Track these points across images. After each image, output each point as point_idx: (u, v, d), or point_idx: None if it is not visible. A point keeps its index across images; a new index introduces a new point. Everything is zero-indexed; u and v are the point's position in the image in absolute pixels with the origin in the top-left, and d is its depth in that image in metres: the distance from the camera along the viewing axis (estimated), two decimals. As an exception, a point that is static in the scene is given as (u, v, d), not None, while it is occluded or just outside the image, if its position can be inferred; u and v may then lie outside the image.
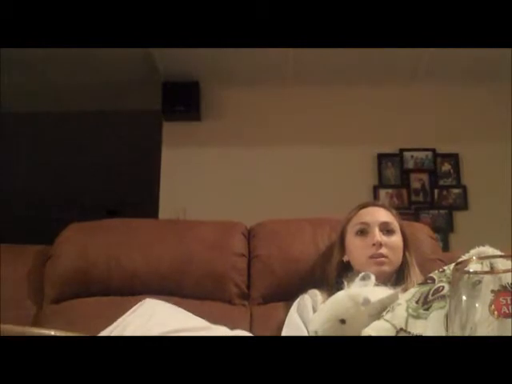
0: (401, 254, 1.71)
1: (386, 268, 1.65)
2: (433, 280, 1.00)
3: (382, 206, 1.84)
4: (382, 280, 1.49)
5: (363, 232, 1.71)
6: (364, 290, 1.26)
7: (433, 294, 0.97)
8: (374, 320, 1.04)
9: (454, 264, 0.71)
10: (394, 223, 1.74)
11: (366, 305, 1.16)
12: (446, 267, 1.01)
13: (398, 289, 1.22)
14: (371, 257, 1.66)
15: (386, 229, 1.71)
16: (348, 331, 1.14)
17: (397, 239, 1.71)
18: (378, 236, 1.67)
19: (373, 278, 1.32)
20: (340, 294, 1.25)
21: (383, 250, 1.66)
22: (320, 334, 1.22)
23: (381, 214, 1.74)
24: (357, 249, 1.71)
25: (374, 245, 1.66)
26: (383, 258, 1.65)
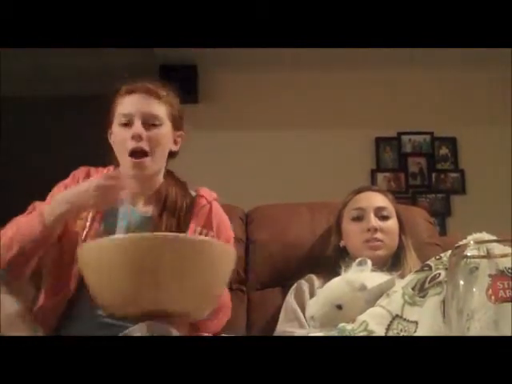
0: (396, 239, 1.72)
1: (381, 252, 1.66)
2: (429, 267, 1.00)
3: (378, 190, 1.84)
4: (378, 264, 1.49)
5: (359, 217, 1.72)
6: (361, 275, 1.26)
7: (429, 282, 0.98)
8: (371, 306, 1.04)
9: (450, 251, 0.71)
10: (390, 208, 1.74)
11: (363, 290, 1.16)
12: (442, 254, 1.01)
13: (395, 275, 1.23)
14: (366, 241, 1.67)
15: (382, 214, 1.71)
16: (344, 317, 1.14)
17: (392, 224, 1.72)
18: (374, 221, 1.68)
19: (369, 263, 1.32)
20: (336, 280, 1.26)
21: (378, 235, 1.66)
22: (316, 319, 1.22)
23: (376, 199, 1.75)
24: (352, 234, 1.72)
25: (369, 230, 1.67)
26: (378, 243, 1.66)
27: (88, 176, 1.54)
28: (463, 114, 4.03)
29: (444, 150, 4.08)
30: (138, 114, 1.49)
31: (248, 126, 4.01)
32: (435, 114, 4.04)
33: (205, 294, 1.18)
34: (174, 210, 1.54)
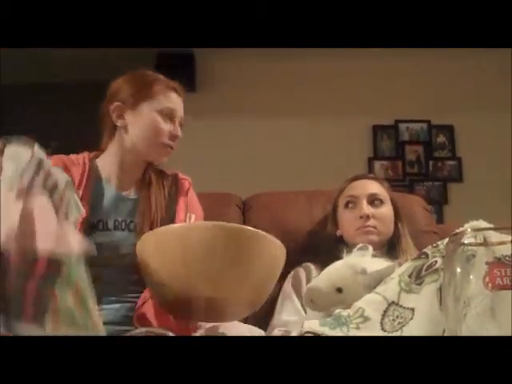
0: (391, 225, 1.72)
1: (374, 237, 1.66)
2: (426, 255, 1.01)
3: (373, 178, 1.84)
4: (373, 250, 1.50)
5: (352, 205, 1.73)
6: (362, 259, 1.26)
7: (426, 269, 0.98)
8: (370, 291, 1.04)
9: (447, 239, 0.71)
10: (384, 194, 1.74)
11: (364, 274, 1.16)
12: (439, 242, 1.01)
13: (396, 261, 1.23)
14: (358, 228, 1.68)
15: (374, 200, 1.72)
16: (344, 301, 1.14)
17: (385, 210, 1.72)
18: (366, 208, 1.69)
19: (370, 249, 1.33)
20: (338, 263, 1.26)
21: (371, 222, 1.68)
22: (316, 302, 1.22)
23: (370, 186, 1.75)
24: (346, 222, 1.73)
25: (361, 217, 1.68)
26: (370, 228, 1.67)
27: (64, 169, 1.51)
28: (460, 102, 4.03)
29: (441, 138, 4.08)
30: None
31: (245, 115, 4.00)
32: (432, 101, 4.04)
33: (259, 288, 1.17)
34: (160, 192, 1.55)
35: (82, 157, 1.57)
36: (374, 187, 1.75)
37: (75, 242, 0.81)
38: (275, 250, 1.17)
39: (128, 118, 1.54)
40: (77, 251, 0.80)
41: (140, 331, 1.21)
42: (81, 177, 1.50)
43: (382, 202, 1.72)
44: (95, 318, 0.82)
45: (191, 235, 1.11)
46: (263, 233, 1.14)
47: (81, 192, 1.45)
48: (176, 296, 1.12)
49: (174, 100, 1.57)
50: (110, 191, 1.53)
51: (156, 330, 1.25)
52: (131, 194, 1.56)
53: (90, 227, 1.44)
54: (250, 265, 1.11)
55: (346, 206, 1.74)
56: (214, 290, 1.09)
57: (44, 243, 0.76)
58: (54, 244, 0.78)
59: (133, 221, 1.49)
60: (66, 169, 1.49)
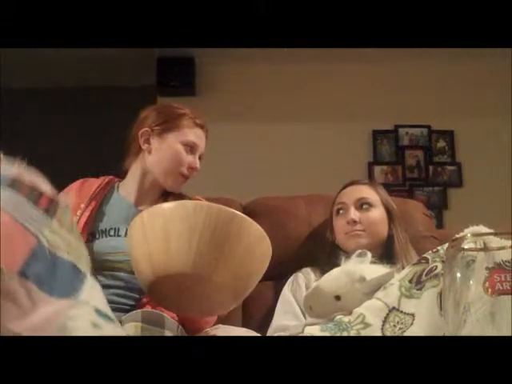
0: (382, 227, 1.73)
1: (362, 240, 1.68)
2: (426, 260, 1.01)
3: (366, 183, 1.85)
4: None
5: (342, 211, 1.75)
6: (360, 266, 1.26)
7: (426, 274, 0.98)
8: (369, 298, 1.04)
9: (447, 244, 0.71)
10: (373, 198, 1.75)
11: (362, 282, 1.16)
12: (439, 247, 1.01)
13: (394, 268, 1.23)
14: (347, 233, 1.71)
15: (363, 204, 1.73)
16: (342, 308, 1.14)
17: (375, 213, 1.73)
18: (353, 214, 1.71)
19: (369, 255, 1.32)
20: (336, 270, 1.26)
21: (358, 227, 1.70)
22: (315, 309, 1.22)
23: (358, 192, 1.77)
24: (337, 228, 1.76)
25: (348, 223, 1.70)
26: (358, 232, 1.69)
27: (84, 182, 1.65)
28: (461, 107, 4.03)
29: (441, 143, 4.08)
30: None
31: (245, 119, 4.01)
32: (432, 106, 4.04)
33: (240, 275, 1.17)
34: None
35: (105, 177, 1.70)
36: (362, 192, 1.77)
37: None
38: (255, 234, 1.17)
39: (153, 143, 1.63)
40: None
41: (136, 312, 1.25)
42: (96, 188, 1.62)
43: (370, 205, 1.74)
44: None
45: (173, 212, 1.14)
46: (243, 215, 1.16)
47: (93, 200, 1.58)
48: (156, 273, 1.13)
49: (199, 135, 1.66)
50: (125, 204, 1.62)
51: (153, 312, 1.29)
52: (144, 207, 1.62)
53: (101, 232, 1.53)
54: (228, 244, 1.12)
55: (337, 212, 1.77)
56: (192, 265, 1.10)
57: None
58: None
59: None
60: (87, 183, 1.65)
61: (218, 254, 1.11)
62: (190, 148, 1.63)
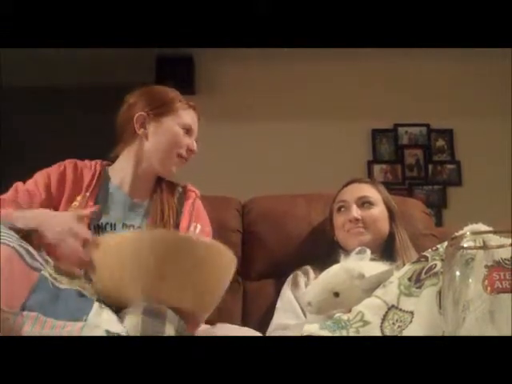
0: (384, 226, 1.74)
1: (364, 238, 1.68)
2: (426, 258, 1.01)
3: (367, 181, 1.85)
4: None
5: (343, 209, 1.76)
6: (359, 264, 1.26)
7: (426, 273, 0.98)
8: (368, 295, 1.04)
9: (447, 242, 0.71)
10: (374, 196, 1.76)
11: (361, 279, 1.16)
12: (439, 245, 1.01)
13: (394, 265, 1.23)
14: (348, 231, 1.71)
15: (364, 203, 1.74)
16: (341, 304, 1.14)
17: (376, 211, 1.74)
18: (354, 212, 1.72)
19: (368, 252, 1.33)
20: (335, 267, 1.26)
21: (360, 225, 1.70)
22: (313, 305, 1.22)
23: (359, 190, 1.78)
24: (338, 226, 1.77)
25: (350, 221, 1.71)
26: (360, 229, 1.69)
27: (76, 169, 1.59)
28: (460, 105, 4.03)
29: (440, 142, 4.08)
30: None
31: (244, 118, 4.00)
32: (432, 105, 4.03)
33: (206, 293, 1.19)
34: (170, 201, 1.61)
35: (95, 163, 1.65)
36: (364, 190, 1.77)
37: None
38: (223, 259, 1.21)
39: (150, 128, 1.61)
40: None
41: (137, 305, 1.24)
42: (91, 179, 1.58)
43: (372, 203, 1.74)
44: None
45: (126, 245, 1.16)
46: (213, 242, 1.21)
47: (88, 194, 1.53)
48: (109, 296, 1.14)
49: (193, 118, 1.67)
50: (120, 196, 1.59)
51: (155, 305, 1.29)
52: (142, 200, 1.61)
53: (97, 228, 1.51)
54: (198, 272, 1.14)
55: (339, 210, 1.78)
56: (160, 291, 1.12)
57: None
58: None
59: (140, 226, 1.54)
60: (79, 170, 1.59)
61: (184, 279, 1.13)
62: (187, 130, 1.63)
